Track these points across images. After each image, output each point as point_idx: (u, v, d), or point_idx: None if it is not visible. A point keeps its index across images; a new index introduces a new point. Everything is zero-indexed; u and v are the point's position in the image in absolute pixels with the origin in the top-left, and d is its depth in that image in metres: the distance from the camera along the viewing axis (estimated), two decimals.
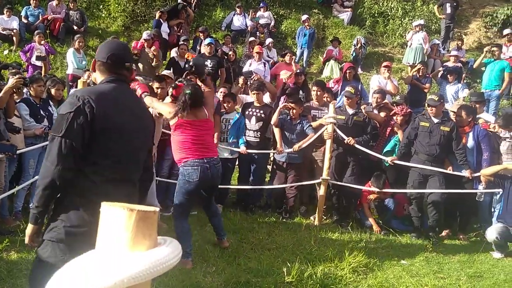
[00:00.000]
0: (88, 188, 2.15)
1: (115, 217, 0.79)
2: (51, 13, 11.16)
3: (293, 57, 9.92)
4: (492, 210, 5.96)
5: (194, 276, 3.92)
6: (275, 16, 13.50)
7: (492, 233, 5.32)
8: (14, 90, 4.59)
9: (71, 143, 2.09)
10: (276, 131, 6.09)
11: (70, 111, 2.11)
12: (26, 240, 2.24)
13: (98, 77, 2.42)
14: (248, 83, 7.66)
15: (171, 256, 0.77)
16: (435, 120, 5.76)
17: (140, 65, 8.79)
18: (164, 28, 10.78)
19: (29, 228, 2.22)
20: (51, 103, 5.65)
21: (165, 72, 7.28)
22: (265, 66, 9.39)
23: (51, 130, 2.23)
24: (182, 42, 9.63)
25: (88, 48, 11.00)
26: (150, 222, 0.80)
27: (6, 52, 10.36)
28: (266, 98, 6.62)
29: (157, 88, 5.79)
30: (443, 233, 6.00)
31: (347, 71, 8.21)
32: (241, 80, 8.14)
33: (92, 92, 2.20)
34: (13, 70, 5.76)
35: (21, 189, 5.14)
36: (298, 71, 8.01)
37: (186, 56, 9.42)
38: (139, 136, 2.36)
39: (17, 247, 4.18)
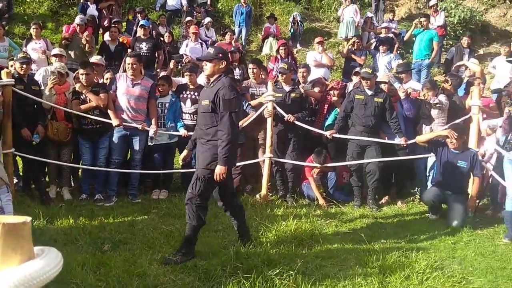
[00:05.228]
0: None
1: None
2: None
3: (233, 36, 9.84)
4: (427, 174, 6.29)
5: (139, 265, 3.86)
6: None
7: (427, 196, 5.61)
8: None
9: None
10: None
11: None
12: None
13: None
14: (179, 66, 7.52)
15: (47, 269, 0.72)
16: (369, 92, 5.94)
17: (71, 52, 8.34)
18: (92, 11, 10.28)
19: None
20: None
21: (96, 58, 6.97)
22: (202, 46, 9.24)
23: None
24: (113, 25, 9.25)
25: (14, 35, 10.34)
26: (21, 234, 0.75)
27: None
28: (201, 79, 6.50)
29: (82, 74, 5.59)
30: (383, 200, 6.26)
31: (280, 48, 8.27)
32: (171, 64, 7.98)
33: None
34: None
35: None
36: (232, 49, 7.96)
37: (121, 39, 9.09)
38: None
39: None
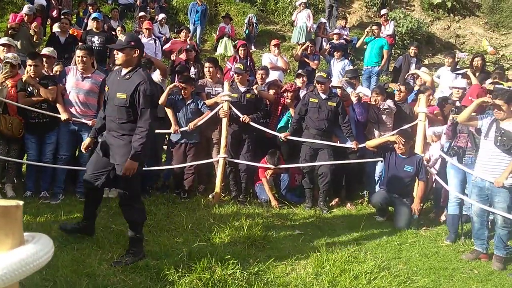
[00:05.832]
0: None
1: None
2: None
3: (189, 34, 9.73)
4: (376, 178, 6.51)
5: (88, 264, 3.73)
6: None
7: (375, 199, 5.81)
8: None
9: None
10: (168, 111, 5.97)
11: None
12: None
13: None
14: None
15: (40, 254, 0.69)
16: (323, 96, 6.07)
17: (18, 42, 7.90)
18: (40, 1, 9.83)
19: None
20: None
21: (48, 50, 6.66)
22: (156, 42, 9.08)
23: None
24: (63, 17, 8.89)
25: None
26: (13, 217, 0.71)
27: None
28: (156, 76, 6.37)
29: (30, 65, 5.34)
30: (333, 202, 6.41)
31: (240, 49, 8.27)
32: None
33: None
34: None
35: None
36: (188, 47, 7.89)
37: (71, 31, 8.76)
38: None
39: None
